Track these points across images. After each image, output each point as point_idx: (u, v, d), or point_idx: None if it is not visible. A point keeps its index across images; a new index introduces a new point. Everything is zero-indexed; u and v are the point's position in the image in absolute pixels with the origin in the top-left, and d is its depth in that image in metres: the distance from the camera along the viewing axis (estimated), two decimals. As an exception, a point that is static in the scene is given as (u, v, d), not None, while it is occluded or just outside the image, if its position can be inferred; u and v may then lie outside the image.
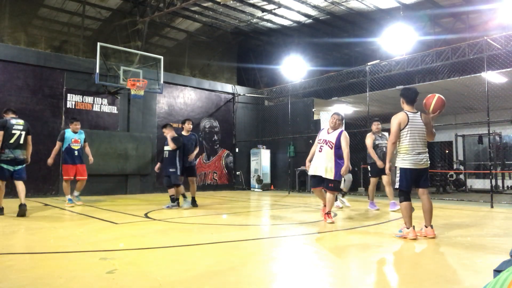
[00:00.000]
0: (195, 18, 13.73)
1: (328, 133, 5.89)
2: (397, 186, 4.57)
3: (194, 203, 8.02)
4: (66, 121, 10.88)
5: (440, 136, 14.46)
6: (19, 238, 4.53)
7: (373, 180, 7.81)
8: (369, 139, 7.62)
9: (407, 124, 4.50)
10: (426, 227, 4.54)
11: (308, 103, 13.75)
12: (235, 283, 2.78)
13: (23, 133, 6.46)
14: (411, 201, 4.53)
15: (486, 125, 8.64)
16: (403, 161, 4.50)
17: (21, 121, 6.55)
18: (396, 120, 4.55)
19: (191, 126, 8.26)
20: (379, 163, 7.22)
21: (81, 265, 3.24)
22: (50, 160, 7.93)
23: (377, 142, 7.59)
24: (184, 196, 7.88)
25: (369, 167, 7.95)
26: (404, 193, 4.51)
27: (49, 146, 10.24)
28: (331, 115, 6.07)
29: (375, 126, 7.81)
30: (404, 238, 4.42)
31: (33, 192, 10.22)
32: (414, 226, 4.47)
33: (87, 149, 8.53)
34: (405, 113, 4.58)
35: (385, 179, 7.41)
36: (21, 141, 6.40)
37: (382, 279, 2.96)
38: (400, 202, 4.56)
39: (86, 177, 8.35)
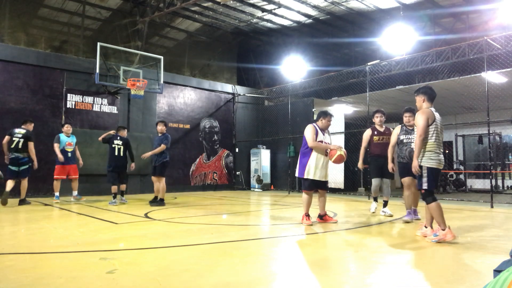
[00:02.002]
0: (195, 18, 13.73)
1: (323, 134, 5.78)
2: (425, 187, 4.27)
3: (158, 202, 8.07)
4: (66, 121, 10.89)
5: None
6: (19, 238, 4.53)
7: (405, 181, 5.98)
8: (394, 136, 6.19)
9: (434, 121, 4.31)
10: (426, 227, 4.52)
11: (308, 103, 13.75)
12: (235, 283, 2.78)
13: (22, 140, 7.97)
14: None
15: (486, 125, 8.64)
16: (431, 161, 4.28)
17: (22, 130, 8.11)
18: (424, 115, 4.31)
19: (160, 128, 8.21)
20: (390, 166, 6.17)
21: (81, 265, 3.24)
22: (61, 159, 8.85)
23: (402, 137, 5.99)
24: (117, 195, 8.45)
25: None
26: (432, 194, 4.31)
27: (49, 146, 10.23)
28: (328, 116, 5.78)
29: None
30: (443, 241, 4.16)
31: (33, 192, 10.22)
32: (449, 226, 4.25)
33: (78, 153, 9.35)
34: (430, 109, 4.38)
35: (410, 181, 5.80)
36: (20, 146, 7.94)
37: (382, 279, 2.96)
38: (429, 203, 4.31)
39: (78, 176, 9.26)
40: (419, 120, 4.33)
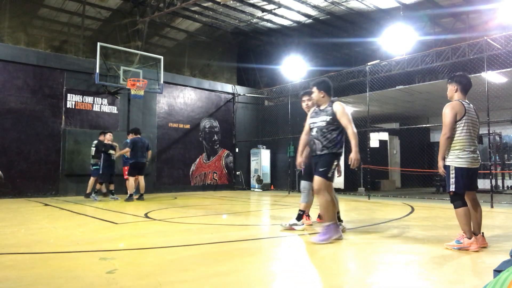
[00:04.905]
0: (195, 18, 13.73)
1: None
2: (452, 188, 3.84)
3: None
4: (66, 121, 10.89)
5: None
6: (19, 238, 4.52)
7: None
8: (307, 121, 4.77)
9: (464, 115, 3.83)
10: (476, 234, 3.89)
11: (308, 103, 13.71)
12: (235, 283, 2.78)
13: (93, 149, 9.88)
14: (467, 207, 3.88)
15: (486, 125, 8.63)
16: (460, 159, 3.81)
17: (95, 141, 9.93)
18: (451, 109, 3.83)
19: (129, 135, 9.74)
20: (298, 161, 4.86)
21: (81, 265, 3.24)
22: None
23: (309, 122, 4.59)
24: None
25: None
26: (461, 197, 3.85)
27: (49, 146, 10.25)
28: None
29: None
30: (466, 250, 3.76)
31: (33, 192, 10.22)
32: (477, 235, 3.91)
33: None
34: (461, 102, 3.90)
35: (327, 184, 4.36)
36: (92, 153, 9.91)
37: (381, 279, 2.96)
38: (456, 208, 3.86)
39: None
40: (445, 116, 3.86)
